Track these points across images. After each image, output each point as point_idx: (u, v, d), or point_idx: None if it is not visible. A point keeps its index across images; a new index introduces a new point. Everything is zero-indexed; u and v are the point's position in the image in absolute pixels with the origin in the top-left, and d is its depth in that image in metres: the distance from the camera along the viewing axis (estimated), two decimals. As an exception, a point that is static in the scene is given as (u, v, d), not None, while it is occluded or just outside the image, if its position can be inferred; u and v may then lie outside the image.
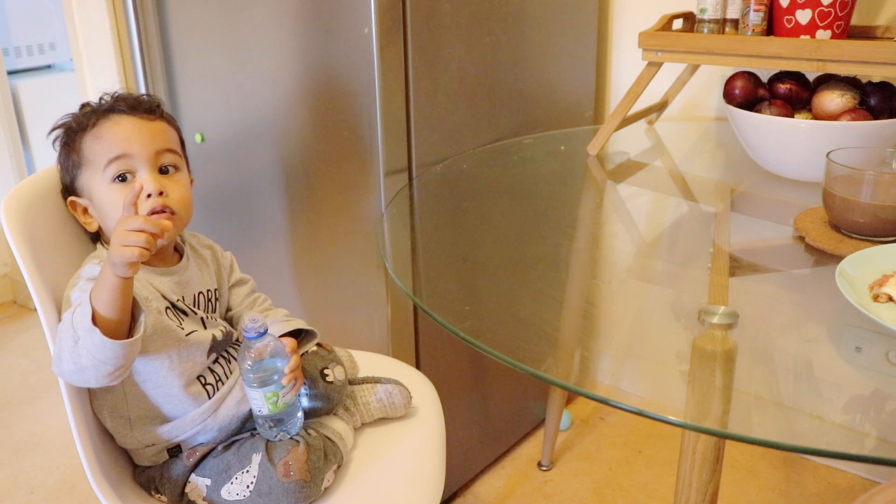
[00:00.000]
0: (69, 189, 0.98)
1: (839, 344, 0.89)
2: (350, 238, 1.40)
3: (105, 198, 0.94)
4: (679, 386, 0.81)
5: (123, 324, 0.83)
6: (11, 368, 2.22)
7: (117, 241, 0.78)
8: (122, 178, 0.93)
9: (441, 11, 1.31)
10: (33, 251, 0.93)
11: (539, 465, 1.75)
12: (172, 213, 0.94)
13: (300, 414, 0.98)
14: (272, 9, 1.36)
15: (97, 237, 1.00)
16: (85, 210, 0.97)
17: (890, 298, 0.86)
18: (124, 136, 0.93)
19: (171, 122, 1.00)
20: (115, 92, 1.00)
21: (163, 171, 0.96)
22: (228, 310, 1.09)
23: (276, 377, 0.93)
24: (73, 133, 0.96)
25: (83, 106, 0.99)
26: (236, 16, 1.43)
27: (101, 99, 0.99)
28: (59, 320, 0.90)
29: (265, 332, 0.93)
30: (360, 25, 1.23)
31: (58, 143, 0.98)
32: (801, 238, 1.08)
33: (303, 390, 1.01)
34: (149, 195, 0.92)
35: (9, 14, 2.72)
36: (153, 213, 0.92)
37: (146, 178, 0.93)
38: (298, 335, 1.05)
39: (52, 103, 2.71)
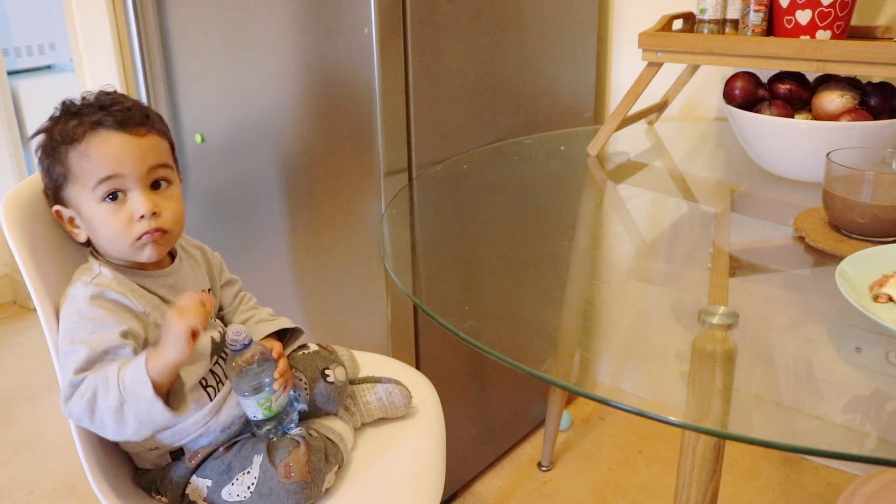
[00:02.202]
0: (54, 197, 0.93)
1: (839, 344, 0.89)
2: (350, 238, 1.40)
3: (94, 215, 0.90)
4: (679, 386, 0.81)
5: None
6: (11, 368, 2.22)
7: (177, 318, 0.81)
8: (112, 196, 0.89)
9: (441, 11, 1.31)
10: (33, 251, 0.93)
11: (539, 465, 1.75)
12: (165, 231, 0.91)
13: (295, 415, 1.00)
14: (272, 9, 1.36)
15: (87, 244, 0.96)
16: (71, 220, 0.93)
17: (890, 299, 0.86)
18: (115, 156, 0.88)
19: (162, 131, 0.94)
20: (101, 93, 0.93)
21: (154, 185, 0.92)
22: (220, 309, 1.09)
23: (266, 381, 0.94)
24: (58, 144, 0.89)
25: (65, 111, 0.91)
26: (236, 16, 1.43)
27: (83, 99, 0.92)
28: (56, 330, 0.89)
29: (250, 343, 0.94)
30: (360, 25, 1.23)
31: (40, 151, 0.93)
32: (801, 238, 1.08)
33: (297, 391, 1.02)
34: (141, 216, 0.89)
35: (9, 14, 2.71)
36: (146, 233, 0.90)
37: (138, 199, 0.89)
38: (285, 335, 1.06)
39: (52, 103, 2.69)
